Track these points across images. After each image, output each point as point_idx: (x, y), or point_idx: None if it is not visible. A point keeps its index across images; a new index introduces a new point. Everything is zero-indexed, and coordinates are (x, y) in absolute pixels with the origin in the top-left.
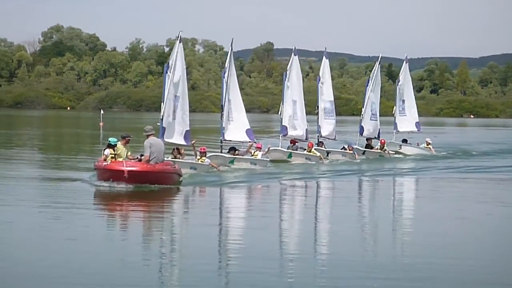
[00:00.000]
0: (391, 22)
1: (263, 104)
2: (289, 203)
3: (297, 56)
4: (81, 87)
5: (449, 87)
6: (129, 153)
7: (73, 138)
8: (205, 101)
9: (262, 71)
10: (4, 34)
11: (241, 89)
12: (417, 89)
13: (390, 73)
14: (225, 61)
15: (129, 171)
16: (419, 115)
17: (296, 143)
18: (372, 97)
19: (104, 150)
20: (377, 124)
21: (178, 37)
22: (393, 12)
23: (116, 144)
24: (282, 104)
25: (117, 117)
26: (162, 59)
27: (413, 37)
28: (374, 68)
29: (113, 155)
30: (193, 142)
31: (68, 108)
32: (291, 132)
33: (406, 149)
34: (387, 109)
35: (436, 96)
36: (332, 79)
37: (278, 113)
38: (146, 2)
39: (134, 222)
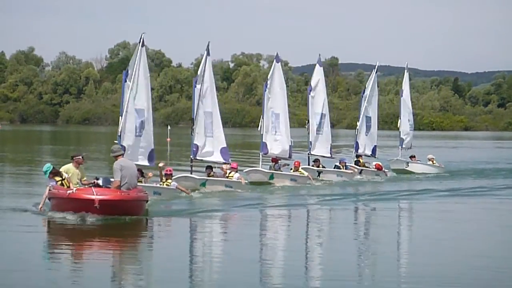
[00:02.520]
0: (457, 36)
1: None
2: (270, 238)
3: (279, 63)
4: None
5: None
6: (84, 178)
7: None
8: None
9: (327, 86)
10: (72, 52)
11: (306, 104)
12: (484, 104)
13: (457, 87)
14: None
15: (100, 200)
16: (487, 129)
17: (279, 162)
18: (368, 110)
19: (49, 183)
20: (371, 139)
21: (140, 40)
22: (458, 25)
23: (56, 171)
24: (262, 118)
25: (184, 133)
26: (227, 74)
27: (479, 50)
28: (370, 77)
29: (60, 181)
30: (161, 164)
31: None
32: (273, 150)
33: (414, 167)
34: (453, 123)
35: (504, 110)
36: (398, 93)
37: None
38: (211, 19)
39: (88, 267)
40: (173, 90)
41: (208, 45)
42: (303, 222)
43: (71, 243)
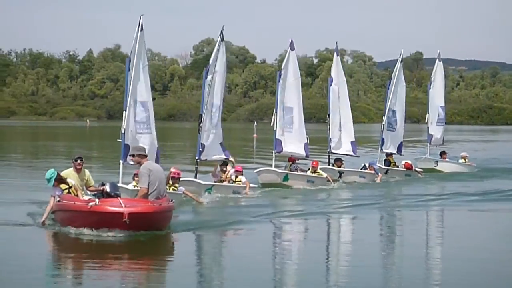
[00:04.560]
0: None
1: (414, 114)
2: (287, 259)
3: (294, 51)
4: (232, 99)
5: None
6: (91, 183)
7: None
8: (355, 111)
9: (412, 81)
10: (158, 49)
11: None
12: None
13: None
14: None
15: (130, 214)
16: None
17: (296, 162)
18: (393, 102)
19: (54, 192)
20: (397, 136)
21: (139, 23)
22: None
23: (62, 177)
24: (275, 112)
25: (268, 129)
26: (311, 70)
27: None
28: (396, 67)
29: (66, 189)
30: (173, 169)
31: None
32: (286, 148)
33: (443, 166)
34: None
35: None
36: (484, 88)
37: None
38: (295, 14)
39: None
40: (257, 86)
41: (222, 29)
42: (324, 233)
43: (84, 262)
